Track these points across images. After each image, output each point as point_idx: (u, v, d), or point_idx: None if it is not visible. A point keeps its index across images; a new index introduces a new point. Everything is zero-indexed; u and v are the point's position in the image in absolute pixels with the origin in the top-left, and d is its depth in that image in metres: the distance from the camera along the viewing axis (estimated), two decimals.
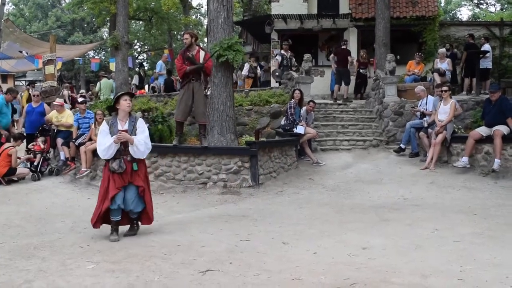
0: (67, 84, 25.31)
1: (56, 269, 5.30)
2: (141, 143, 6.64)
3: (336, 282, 4.73)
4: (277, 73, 17.24)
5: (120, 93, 6.84)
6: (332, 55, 18.86)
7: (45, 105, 13.46)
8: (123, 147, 6.58)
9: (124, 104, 6.65)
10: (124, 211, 6.67)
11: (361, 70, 18.36)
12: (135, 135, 6.64)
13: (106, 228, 6.75)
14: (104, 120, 6.75)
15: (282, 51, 18.49)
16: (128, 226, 6.92)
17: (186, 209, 8.67)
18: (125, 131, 6.60)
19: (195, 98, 9.92)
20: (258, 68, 19.56)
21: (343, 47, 18.14)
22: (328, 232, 6.77)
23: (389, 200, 8.92)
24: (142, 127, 6.78)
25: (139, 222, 6.92)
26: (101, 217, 6.63)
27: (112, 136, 6.54)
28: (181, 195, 9.78)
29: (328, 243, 6.19)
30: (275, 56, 18.49)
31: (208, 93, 10.02)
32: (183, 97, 10.11)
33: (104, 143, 6.55)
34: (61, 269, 5.29)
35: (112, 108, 6.88)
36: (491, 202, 8.46)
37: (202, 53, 9.91)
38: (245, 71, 19.35)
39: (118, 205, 6.53)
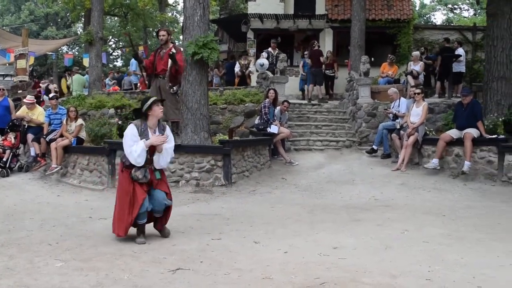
0: (51, 78, 25.05)
1: (23, 267, 5.22)
2: (169, 153, 6.44)
3: (307, 282, 4.74)
4: (261, 64, 17.15)
5: (153, 99, 6.38)
6: (305, 56, 18.95)
7: (9, 100, 13.30)
8: (149, 155, 6.25)
9: (157, 110, 6.29)
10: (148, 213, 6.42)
11: (326, 71, 18.40)
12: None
13: (79, 225, 6.67)
14: (133, 124, 6.32)
15: (270, 49, 18.50)
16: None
17: None
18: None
19: (162, 96, 9.87)
20: (251, 66, 19.45)
21: (315, 48, 18.28)
22: (300, 231, 6.79)
23: (361, 200, 8.99)
24: (170, 136, 6.50)
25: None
26: (125, 227, 6.30)
27: (139, 142, 6.16)
28: None
29: (299, 242, 6.21)
30: (262, 53, 18.45)
31: (175, 91, 9.96)
32: (151, 94, 10.10)
33: (136, 149, 6.13)
34: (28, 267, 5.20)
35: (138, 112, 6.49)
36: (460, 204, 8.59)
37: (173, 51, 9.87)
38: (236, 69, 19.21)
39: (146, 207, 6.26)
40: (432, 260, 5.39)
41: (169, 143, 6.41)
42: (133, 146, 6.14)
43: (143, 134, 6.23)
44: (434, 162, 10.74)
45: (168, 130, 6.55)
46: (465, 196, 9.27)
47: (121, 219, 6.28)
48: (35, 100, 13.27)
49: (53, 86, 20.34)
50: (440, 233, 6.60)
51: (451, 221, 7.35)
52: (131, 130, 6.26)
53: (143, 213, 6.31)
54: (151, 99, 6.39)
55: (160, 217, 6.55)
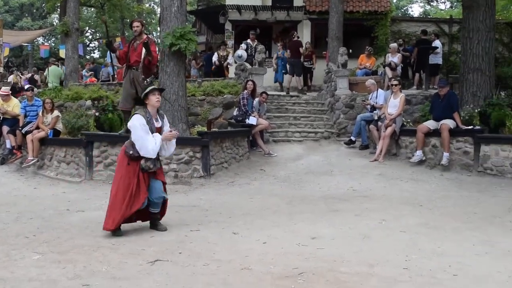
0: (35, 68, 24.72)
1: (0, 260, 5.16)
2: (173, 143, 6.51)
3: (285, 272, 4.76)
4: (239, 55, 17.09)
5: (150, 88, 6.35)
6: (278, 49, 18.95)
7: None
8: None
9: (153, 99, 6.24)
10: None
11: (305, 63, 18.42)
12: (164, 131, 6.37)
13: (56, 217, 6.60)
14: (139, 115, 6.17)
15: (249, 40, 18.44)
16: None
17: None
18: (160, 128, 6.34)
19: (136, 87, 9.80)
20: (229, 57, 19.34)
21: (294, 39, 18.30)
22: (278, 222, 6.81)
23: (339, 191, 9.04)
24: (167, 123, 6.55)
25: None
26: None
27: (154, 134, 6.16)
28: None
29: (278, 233, 6.23)
30: (241, 44, 18.39)
31: (148, 82, 9.90)
32: (124, 86, 10.06)
33: (154, 141, 6.10)
34: (5, 260, 5.16)
35: (140, 101, 6.48)
36: (437, 194, 8.69)
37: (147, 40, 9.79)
38: (214, 59, 19.07)
39: (144, 204, 6.29)
40: (409, 249, 5.46)
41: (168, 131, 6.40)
42: (150, 137, 6.10)
43: (149, 123, 6.18)
44: (418, 154, 10.82)
45: (165, 118, 6.56)
46: (442, 186, 9.38)
47: (117, 211, 6.15)
48: (11, 92, 13.08)
49: (38, 77, 20.17)
50: (417, 223, 6.68)
51: (428, 210, 7.44)
52: (139, 120, 6.14)
53: (158, 203, 6.39)
54: (148, 88, 6.37)
55: (155, 212, 6.50)
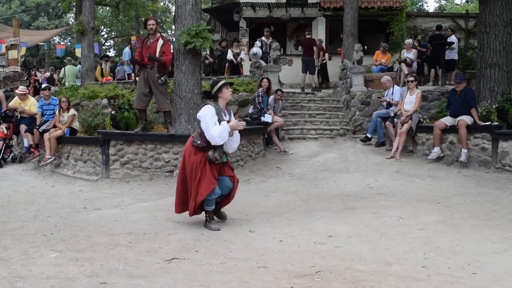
0: (52, 67, 24.94)
1: (18, 258, 5.21)
2: (238, 136, 6.62)
3: (302, 270, 4.75)
4: (254, 53, 17.06)
5: (223, 82, 6.47)
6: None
7: (0, 91, 13.24)
8: None
9: (227, 92, 6.42)
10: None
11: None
12: None
13: (73, 215, 6.64)
14: (209, 104, 6.37)
15: (263, 38, 18.40)
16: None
17: (152, 197, 8.60)
18: (228, 122, 6.39)
19: (151, 86, 9.85)
20: (242, 54, 19.30)
21: (308, 36, 18.26)
22: (295, 220, 6.80)
23: (355, 188, 8.99)
24: (234, 120, 6.61)
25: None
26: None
27: (222, 123, 6.29)
28: (147, 183, 9.70)
29: (295, 231, 6.22)
30: (256, 42, 18.36)
31: (163, 81, 9.92)
32: (138, 85, 10.07)
33: (219, 128, 6.20)
34: (23, 258, 5.20)
35: (208, 94, 6.55)
36: (454, 191, 8.61)
37: (160, 42, 9.77)
38: (229, 56, 19.04)
39: (216, 195, 6.38)
40: (427, 247, 5.42)
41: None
42: (217, 126, 6.20)
43: (218, 115, 6.31)
44: (436, 151, 10.75)
45: (232, 114, 6.69)
46: (460, 183, 9.29)
47: (185, 199, 6.50)
48: (28, 91, 13.22)
49: (57, 76, 20.35)
50: (434, 220, 6.63)
51: (445, 208, 7.37)
52: (209, 110, 6.29)
53: (212, 200, 6.41)
54: (221, 82, 6.48)
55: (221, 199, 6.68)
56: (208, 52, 19.50)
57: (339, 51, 19.19)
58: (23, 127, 12.13)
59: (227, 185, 6.54)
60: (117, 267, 4.89)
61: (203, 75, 18.88)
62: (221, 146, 6.37)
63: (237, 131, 6.53)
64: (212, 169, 6.30)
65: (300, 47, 18.48)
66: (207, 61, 19.40)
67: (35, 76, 21.91)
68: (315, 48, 17.99)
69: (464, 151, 10.29)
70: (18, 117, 12.49)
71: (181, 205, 6.65)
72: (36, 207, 8.04)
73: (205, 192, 6.24)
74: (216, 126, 6.20)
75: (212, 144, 6.25)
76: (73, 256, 5.23)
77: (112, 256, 5.23)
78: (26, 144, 11.96)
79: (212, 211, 6.52)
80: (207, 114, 6.25)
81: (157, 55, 9.72)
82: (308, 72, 17.69)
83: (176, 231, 6.28)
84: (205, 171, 6.26)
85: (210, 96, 6.51)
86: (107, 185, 9.63)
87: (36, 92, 19.07)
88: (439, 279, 4.48)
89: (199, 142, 6.32)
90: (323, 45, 20.18)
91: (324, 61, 18.69)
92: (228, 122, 6.37)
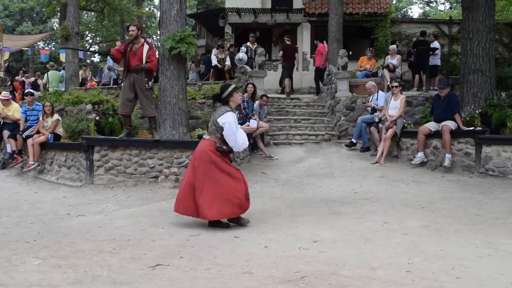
0: (38, 72, 24.79)
1: (0, 265, 5.16)
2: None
3: (287, 275, 4.74)
4: (239, 58, 17.07)
5: (233, 87, 6.80)
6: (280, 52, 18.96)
7: None
8: None
9: (237, 97, 6.79)
10: None
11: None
12: None
13: (56, 222, 6.57)
14: (231, 112, 6.66)
15: (248, 43, 18.43)
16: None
17: (137, 203, 8.55)
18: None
19: (137, 91, 9.81)
20: (227, 59, 19.30)
21: (288, 42, 18.35)
22: (280, 225, 6.79)
23: (340, 194, 9.01)
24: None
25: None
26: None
27: (240, 129, 6.76)
28: (132, 189, 9.66)
29: (280, 236, 6.21)
30: (241, 47, 18.38)
31: (150, 86, 9.90)
32: (123, 90, 10.04)
33: (243, 136, 6.65)
34: (5, 265, 5.14)
35: (219, 98, 6.78)
36: (438, 196, 8.66)
37: (146, 47, 9.75)
38: (213, 62, 19.00)
39: None
40: (411, 252, 5.44)
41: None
42: (240, 133, 6.63)
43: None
44: (419, 156, 10.82)
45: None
46: (444, 188, 9.35)
47: (188, 199, 6.64)
48: (13, 96, 13.11)
49: (42, 82, 20.21)
50: (419, 225, 6.66)
51: (430, 213, 7.41)
52: (233, 118, 6.63)
53: None
54: (232, 86, 6.81)
55: None
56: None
57: (313, 57, 19.14)
58: (6, 133, 12.01)
59: None
60: (100, 273, 4.85)
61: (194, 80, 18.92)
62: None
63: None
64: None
65: (281, 53, 18.51)
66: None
67: (23, 81, 21.74)
68: (296, 55, 18.14)
69: (448, 156, 10.36)
70: (1, 123, 12.36)
71: (180, 205, 6.76)
72: (19, 213, 7.96)
73: (246, 185, 6.81)
74: (240, 136, 6.61)
75: (235, 149, 6.73)
76: (56, 263, 5.18)
77: (95, 263, 5.18)
78: (9, 150, 11.84)
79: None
80: (232, 122, 6.54)
81: (143, 60, 9.69)
82: (289, 77, 17.82)
83: (161, 237, 6.25)
84: (230, 170, 6.70)
85: (220, 100, 6.76)
86: (91, 191, 9.56)
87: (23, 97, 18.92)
88: (423, 284, 4.49)
89: (224, 147, 6.62)
90: (308, 50, 20.32)
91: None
92: (246, 125, 7.02)
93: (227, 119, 6.53)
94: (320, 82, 17.95)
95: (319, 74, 18.20)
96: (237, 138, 6.55)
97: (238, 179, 6.70)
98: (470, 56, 11.77)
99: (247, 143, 6.78)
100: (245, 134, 6.75)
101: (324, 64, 18.06)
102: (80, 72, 21.71)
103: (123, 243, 5.97)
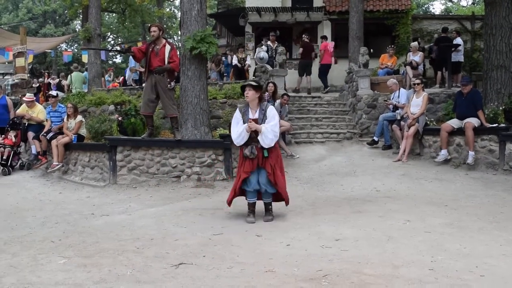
0: (62, 73, 25.11)
1: (26, 264, 5.24)
2: (269, 131, 6.84)
3: (309, 274, 4.74)
4: (260, 57, 17.12)
5: (246, 83, 7.13)
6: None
7: (7, 98, 13.33)
8: (255, 134, 6.86)
9: (245, 94, 6.96)
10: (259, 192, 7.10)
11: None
12: (265, 123, 6.90)
13: (81, 221, 6.66)
14: (238, 108, 7.22)
15: (269, 42, 18.46)
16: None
17: (160, 202, 8.62)
18: (256, 119, 6.89)
19: (159, 92, 9.87)
20: (248, 58, 19.39)
21: (306, 40, 18.36)
22: (302, 224, 6.79)
23: (362, 192, 8.98)
24: (271, 115, 6.97)
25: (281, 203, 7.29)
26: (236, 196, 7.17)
27: (244, 124, 6.88)
28: (155, 188, 9.73)
29: (302, 235, 6.21)
30: (261, 46, 18.42)
31: (172, 86, 9.96)
32: (145, 91, 10.10)
33: (236, 130, 6.92)
34: (32, 265, 5.22)
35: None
36: (462, 194, 8.58)
37: (167, 47, 9.80)
38: (235, 61, 19.12)
39: (253, 188, 6.94)
40: (434, 250, 5.40)
41: (269, 122, 6.90)
42: (236, 128, 6.93)
43: (244, 115, 6.96)
44: (443, 153, 10.73)
45: (270, 109, 7.05)
46: (467, 185, 9.26)
47: (232, 190, 7.20)
48: (34, 98, 13.30)
49: (66, 83, 20.45)
50: (442, 223, 6.60)
51: (453, 210, 7.35)
52: (235, 114, 7.09)
53: (252, 192, 7.04)
54: (244, 83, 7.20)
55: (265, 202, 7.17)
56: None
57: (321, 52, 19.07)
58: (30, 134, 12.19)
59: (261, 181, 6.92)
60: (124, 272, 4.91)
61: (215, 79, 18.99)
62: (252, 143, 6.87)
63: (272, 125, 6.88)
64: (248, 163, 6.87)
65: (300, 50, 18.58)
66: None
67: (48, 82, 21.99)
68: (312, 54, 18.23)
69: (471, 153, 10.26)
70: (26, 124, 12.55)
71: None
72: (44, 213, 8.08)
73: (238, 181, 6.99)
74: (235, 128, 6.93)
75: (235, 143, 7.05)
76: (81, 262, 5.25)
77: (119, 262, 5.24)
78: (33, 151, 12.02)
79: (251, 204, 7.11)
80: (233, 117, 7.07)
81: (166, 61, 9.75)
82: (305, 75, 17.84)
83: (184, 236, 6.29)
84: (241, 165, 6.98)
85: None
86: (115, 191, 9.66)
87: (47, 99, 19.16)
88: (446, 282, 4.46)
89: None
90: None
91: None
92: (256, 119, 6.86)
93: (234, 114, 7.10)
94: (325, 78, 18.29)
95: (323, 70, 18.43)
96: (233, 132, 6.99)
97: (239, 173, 7.04)
98: (493, 52, 11.63)
99: (239, 141, 6.91)
100: (242, 131, 6.84)
101: (328, 61, 18.45)
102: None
103: (146, 242, 6.03)
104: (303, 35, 19.03)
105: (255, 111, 6.97)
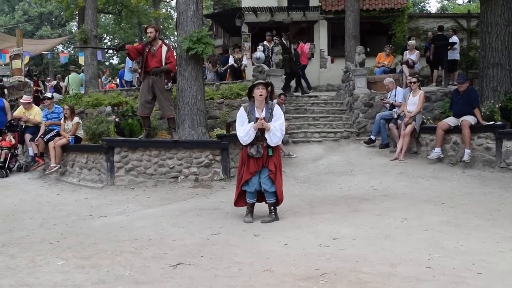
0: (59, 75, 25.07)
1: (25, 266, 5.25)
2: (277, 129, 6.90)
3: (307, 273, 4.76)
4: (257, 57, 17.10)
5: (255, 82, 7.09)
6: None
7: (4, 100, 13.32)
8: (260, 133, 6.87)
9: (257, 93, 6.92)
10: (260, 193, 7.08)
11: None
12: (271, 121, 6.91)
13: (79, 223, 6.67)
14: (242, 107, 7.18)
15: (265, 42, 18.44)
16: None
17: (157, 203, 8.63)
18: (263, 118, 6.88)
19: (156, 93, 9.87)
20: (244, 58, 19.37)
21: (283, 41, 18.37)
22: (299, 223, 6.81)
23: (360, 191, 9.00)
24: (278, 114, 7.03)
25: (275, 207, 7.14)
26: (241, 198, 7.17)
27: (249, 123, 6.86)
28: (152, 189, 9.73)
29: (299, 234, 6.23)
30: (258, 46, 18.41)
31: (169, 87, 9.95)
32: (142, 92, 10.09)
33: (243, 129, 6.89)
34: (30, 266, 5.24)
35: (249, 95, 7.18)
36: (459, 191, 8.61)
37: (164, 48, 9.78)
38: (230, 62, 19.10)
39: (254, 188, 6.94)
40: (431, 248, 5.42)
41: (277, 121, 6.95)
42: (242, 126, 6.90)
43: (250, 114, 6.96)
44: (436, 151, 10.75)
45: (276, 108, 7.11)
46: (464, 183, 9.29)
47: (236, 190, 7.22)
48: (32, 100, 13.29)
49: (64, 84, 20.42)
50: (439, 221, 6.63)
51: (450, 208, 7.37)
52: (240, 112, 7.06)
53: (252, 193, 7.02)
54: (255, 83, 7.11)
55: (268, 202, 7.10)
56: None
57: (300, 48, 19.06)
58: (27, 136, 12.18)
59: (264, 178, 6.91)
60: (123, 273, 4.92)
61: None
62: (258, 142, 6.86)
63: (279, 123, 6.92)
64: (252, 163, 6.88)
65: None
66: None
67: (38, 86, 21.93)
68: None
69: (467, 151, 10.28)
70: (23, 126, 12.55)
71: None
72: (42, 215, 8.08)
73: (241, 181, 6.98)
74: (241, 127, 6.90)
75: (241, 142, 6.97)
76: (79, 264, 5.26)
77: (118, 263, 5.26)
78: (31, 153, 12.01)
79: (250, 204, 7.09)
80: (237, 116, 7.07)
81: (162, 62, 9.74)
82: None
83: (181, 237, 6.31)
84: (245, 164, 6.94)
85: (249, 98, 7.21)
86: (112, 192, 9.66)
87: (36, 102, 19.01)
88: (444, 280, 4.49)
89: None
90: (325, 48, 20.32)
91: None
92: (263, 118, 6.84)
93: (237, 114, 7.11)
94: (302, 80, 18.18)
95: (302, 71, 18.46)
96: (239, 131, 6.95)
97: (244, 173, 7.00)
98: (489, 50, 11.67)
99: (247, 140, 6.87)
100: (249, 129, 6.82)
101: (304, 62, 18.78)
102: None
103: (144, 243, 6.04)
104: (282, 34, 18.89)
105: (261, 110, 6.99)
